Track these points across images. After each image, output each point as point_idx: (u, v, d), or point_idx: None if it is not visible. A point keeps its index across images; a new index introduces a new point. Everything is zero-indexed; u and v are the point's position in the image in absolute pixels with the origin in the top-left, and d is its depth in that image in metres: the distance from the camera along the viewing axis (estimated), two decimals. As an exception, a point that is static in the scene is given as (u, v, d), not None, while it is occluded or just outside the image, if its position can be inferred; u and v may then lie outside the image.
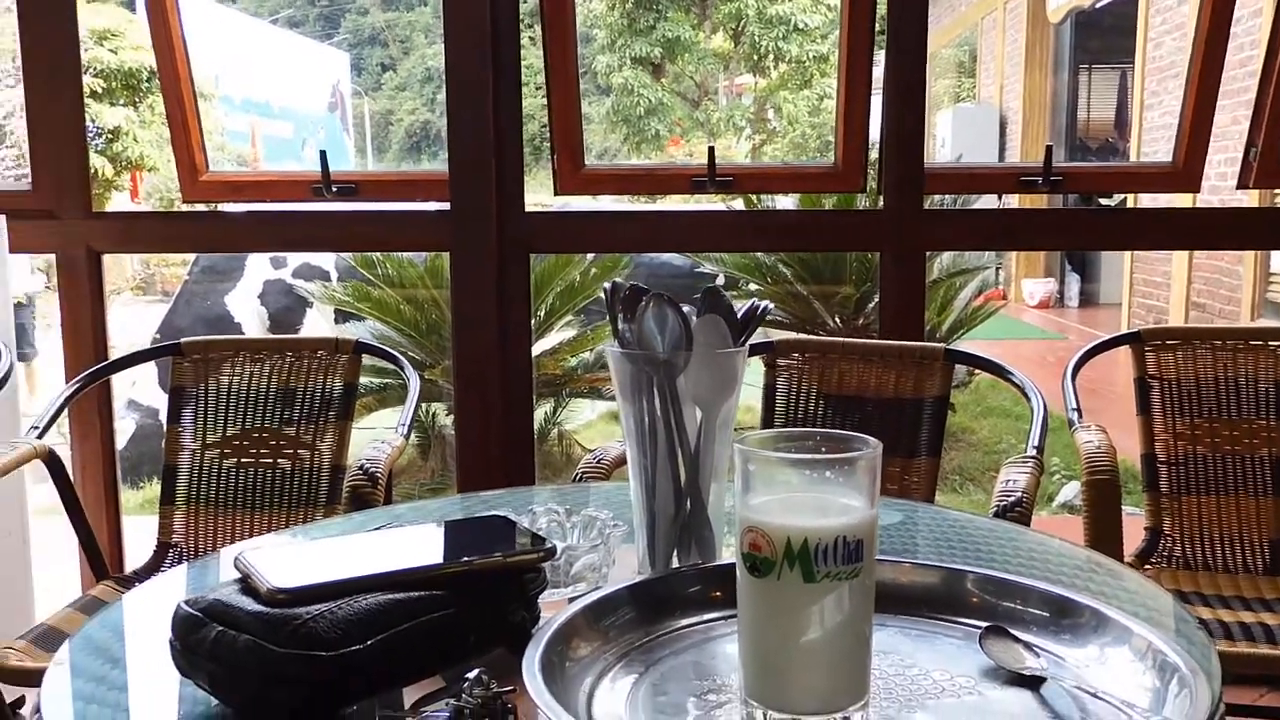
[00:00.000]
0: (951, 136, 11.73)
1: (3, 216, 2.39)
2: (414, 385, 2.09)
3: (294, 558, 0.88)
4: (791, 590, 0.76)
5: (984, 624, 0.89)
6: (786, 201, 5.14)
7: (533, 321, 2.76)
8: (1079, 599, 0.90)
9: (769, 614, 0.77)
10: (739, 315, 1.07)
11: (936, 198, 4.38)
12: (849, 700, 0.77)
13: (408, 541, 0.97)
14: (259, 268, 5.84)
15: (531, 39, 3.34)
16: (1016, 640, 0.87)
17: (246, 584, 0.84)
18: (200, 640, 0.79)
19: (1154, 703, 0.77)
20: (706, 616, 0.94)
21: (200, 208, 2.94)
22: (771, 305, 1.17)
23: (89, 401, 2.52)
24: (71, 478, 2.00)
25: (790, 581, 0.75)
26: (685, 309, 1.04)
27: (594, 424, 5.51)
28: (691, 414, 1.04)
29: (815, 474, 0.78)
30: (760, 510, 0.77)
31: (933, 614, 0.94)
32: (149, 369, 5.19)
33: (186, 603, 0.82)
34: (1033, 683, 0.82)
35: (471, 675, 0.76)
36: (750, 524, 0.77)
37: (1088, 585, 1.04)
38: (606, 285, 1.09)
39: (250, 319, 5.78)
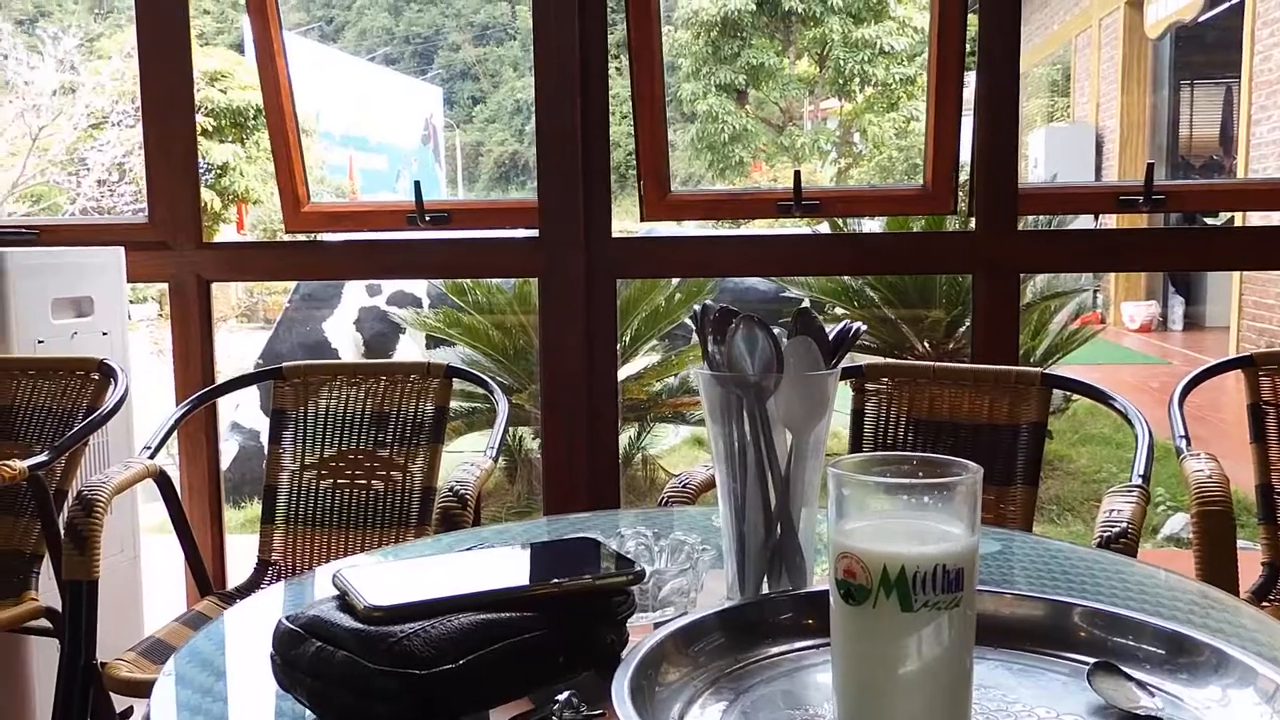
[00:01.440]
0: (1045, 156, 11.52)
1: (121, 248, 2.52)
2: (502, 408, 2.10)
3: (389, 576, 0.89)
4: (888, 620, 0.73)
5: (1092, 659, 0.86)
6: (874, 225, 5.09)
7: (618, 346, 2.77)
8: (1197, 636, 0.86)
9: (864, 644, 0.75)
10: (830, 337, 1.05)
11: (1030, 219, 4.30)
12: (949, 734, 0.74)
13: (499, 563, 0.97)
14: (355, 295, 6.00)
15: (618, 69, 3.37)
16: (1129, 678, 0.83)
17: (344, 601, 0.84)
18: (300, 655, 0.80)
19: (1278, 745, 0.73)
20: (798, 645, 0.92)
21: (301, 238, 3.03)
22: (864, 327, 1.15)
23: (196, 423, 2.61)
24: (180, 497, 2.07)
25: (887, 610, 0.73)
26: (776, 331, 1.03)
27: (678, 449, 5.49)
28: (782, 437, 1.02)
29: (913, 499, 0.76)
30: (855, 536, 0.75)
31: (1036, 648, 0.91)
32: (251, 393, 5.35)
33: (288, 618, 0.83)
34: (1145, 722, 0.78)
35: (562, 697, 0.75)
36: (845, 550, 0.75)
37: (1205, 622, 0.99)
38: (696, 307, 1.08)
39: (346, 345, 5.92)
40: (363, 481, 2.15)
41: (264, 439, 2.24)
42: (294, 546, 2.14)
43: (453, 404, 2.23)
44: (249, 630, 1.02)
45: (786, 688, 0.86)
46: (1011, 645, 0.90)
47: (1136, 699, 0.80)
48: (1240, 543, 2.62)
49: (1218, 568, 1.61)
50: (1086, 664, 0.85)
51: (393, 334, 5.90)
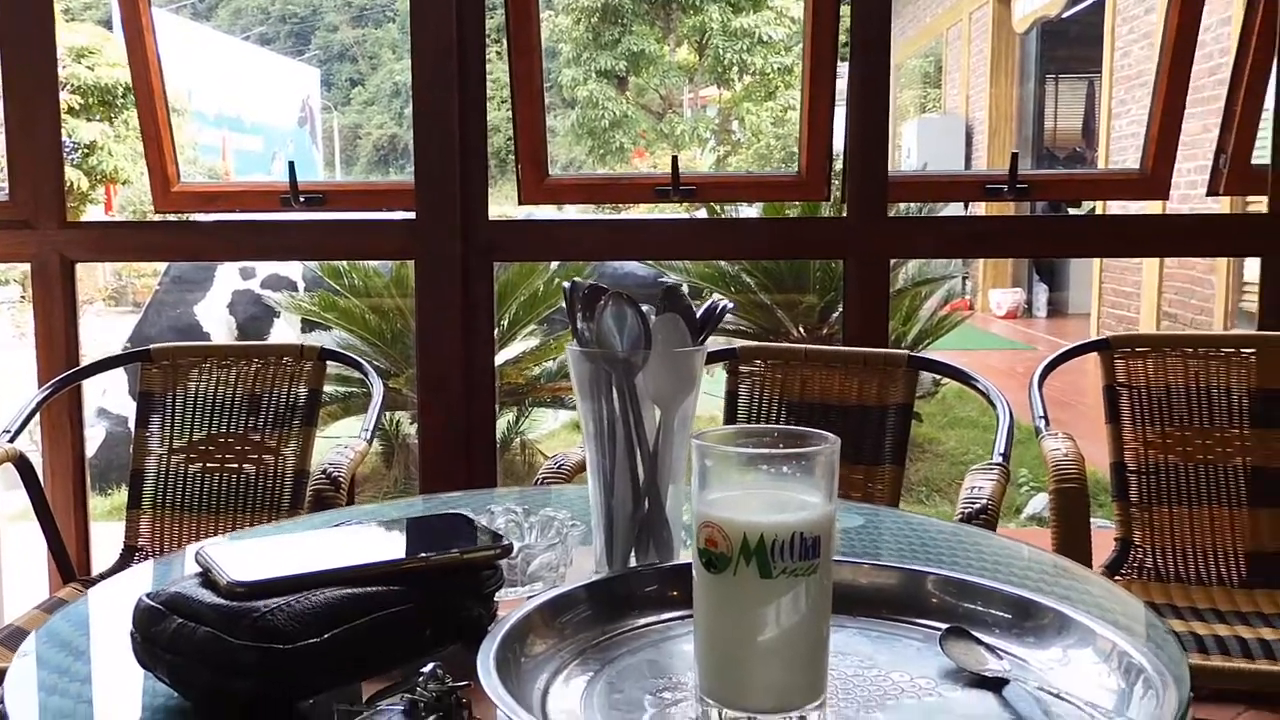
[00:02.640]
0: (917, 147, 11.83)
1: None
2: (378, 391, 2.08)
3: (254, 552, 0.87)
4: (748, 587, 0.75)
5: (945, 626, 0.89)
6: (750, 211, 5.16)
7: (496, 331, 2.75)
8: (1042, 601, 0.90)
9: (725, 610, 0.77)
10: (698, 315, 1.07)
11: (902, 206, 4.41)
12: (805, 699, 0.77)
13: (366, 538, 0.96)
14: (228, 278, 5.86)
15: (498, 53, 3.35)
16: (978, 642, 0.86)
17: (207, 578, 0.83)
18: (160, 632, 0.79)
19: (1119, 705, 0.77)
20: (664, 616, 0.93)
21: (171, 218, 2.95)
22: (730, 304, 1.17)
23: (60, 408, 2.53)
24: (42, 483, 2.00)
25: (747, 578, 0.75)
26: (644, 308, 1.04)
27: (556, 433, 5.50)
28: (650, 413, 1.03)
29: (773, 470, 0.78)
30: (717, 505, 0.77)
31: (893, 615, 0.94)
32: (119, 378, 5.21)
33: (148, 595, 0.81)
34: (994, 684, 0.82)
35: (427, 669, 0.75)
36: (707, 519, 0.76)
37: (1053, 590, 1.04)
38: (566, 284, 1.08)
39: (219, 329, 5.78)
40: (233, 465, 2.11)
41: (133, 425, 2.18)
42: (162, 532, 2.10)
43: (328, 388, 2.21)
44: (111, 610, 1.00)
45: (652, 658, 0.88)
46: (869, 613, 0.93)
47: (985, 661, 0.84)
48: (1096, 521, 2.74)
49: (1072, 542, 1.68)
50: (939, 630, 0.88)
51: (267, 317, 5.78)
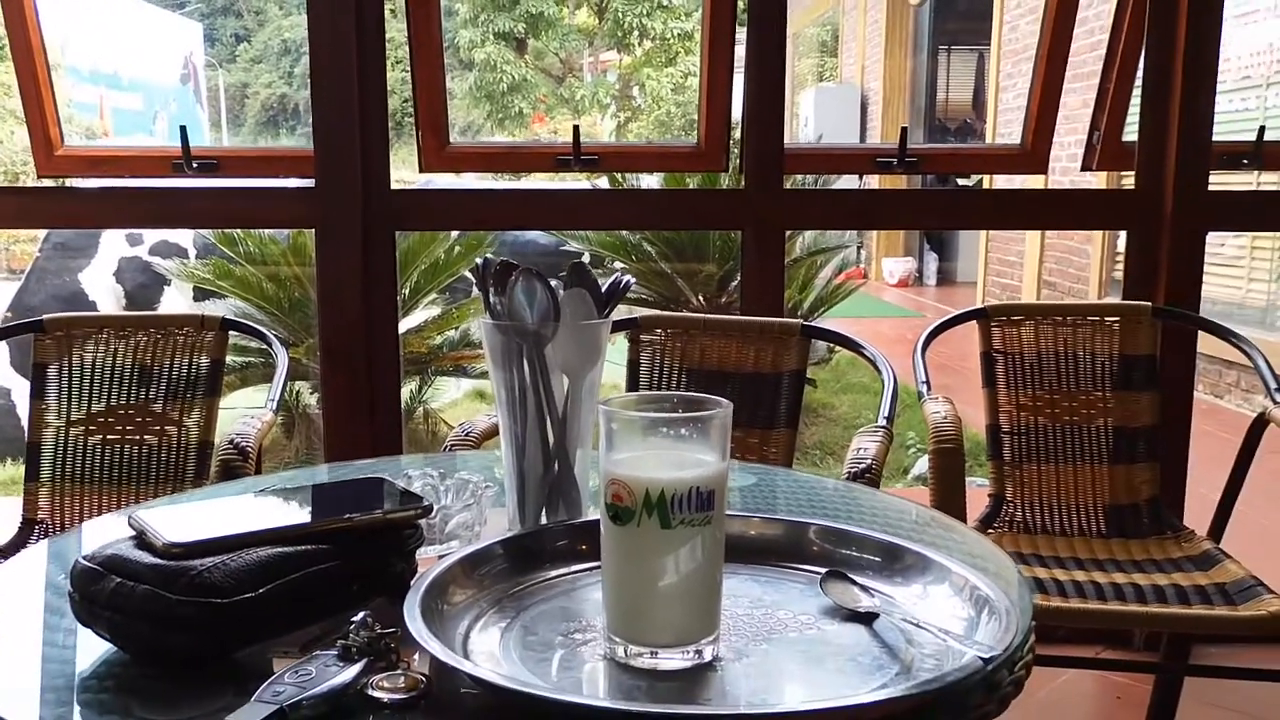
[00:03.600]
0: (814, 116, 11.99)
1: None
2: (282, 361, 2.11)
3: (185, 516, 0.93)
4: (650, 536, 0.84)
5: (824, 569, 0.99)
6: (651, 180, 5.24)
7: (398, 299, 2.78)
8: (906, 544, 1.00)
9: (629, 558, 0.85)
10: (603, 289, 1.15)
11: (798, 177, 4.53)
12: (701, 634, 0.86)
13: (292, 501, 1.02)
14: (114, 245, 5.71)
15: (393, 11, 3.32)
16: (853, 583, 0.97)
17: (141, 540, 0.88)
18: (99, 591, 0.84)
19: (969, 630, 0.87)
20: (573, 568, 1.02)
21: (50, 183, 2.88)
22: (634, 280, 1.25)
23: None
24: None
25: (649, 528, 0.83)
26: (553, 283, 1.11)
27: (459, 402, 5.53)
28: (559, 382, 1.11)
29: (672, 432, 0.87)
30: (622, 465, 0.85)
31: (779, 562, 1.04)
32: (0, 350, 5.05)
33: (85, 557, 0.86)
34: (866, 619, 0.92)
35: (357, 618, 0.82)
36: (612, 477, 0.85)
37: (922, 537, 1.14)
38: (478, 260, 1.15)
39: (105, 297, 5.64)
40: (134, 437, 2.11)
41: (15, 397, 2.16)
42: (62, 504, 2.09)
43: (226, 359, 2.22)
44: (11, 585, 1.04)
45: (563, 605, 0.96)
46: (758, 561, 1.03)
47: (859, 600, 0.94)
48: (975, 480, 2.89)
49: (949, 499, 1.80)
50: (820, 573, 0.98)
51: (156, 286, 5.65)
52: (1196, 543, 1.95)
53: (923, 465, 4.65)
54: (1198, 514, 2.13)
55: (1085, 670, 2.43)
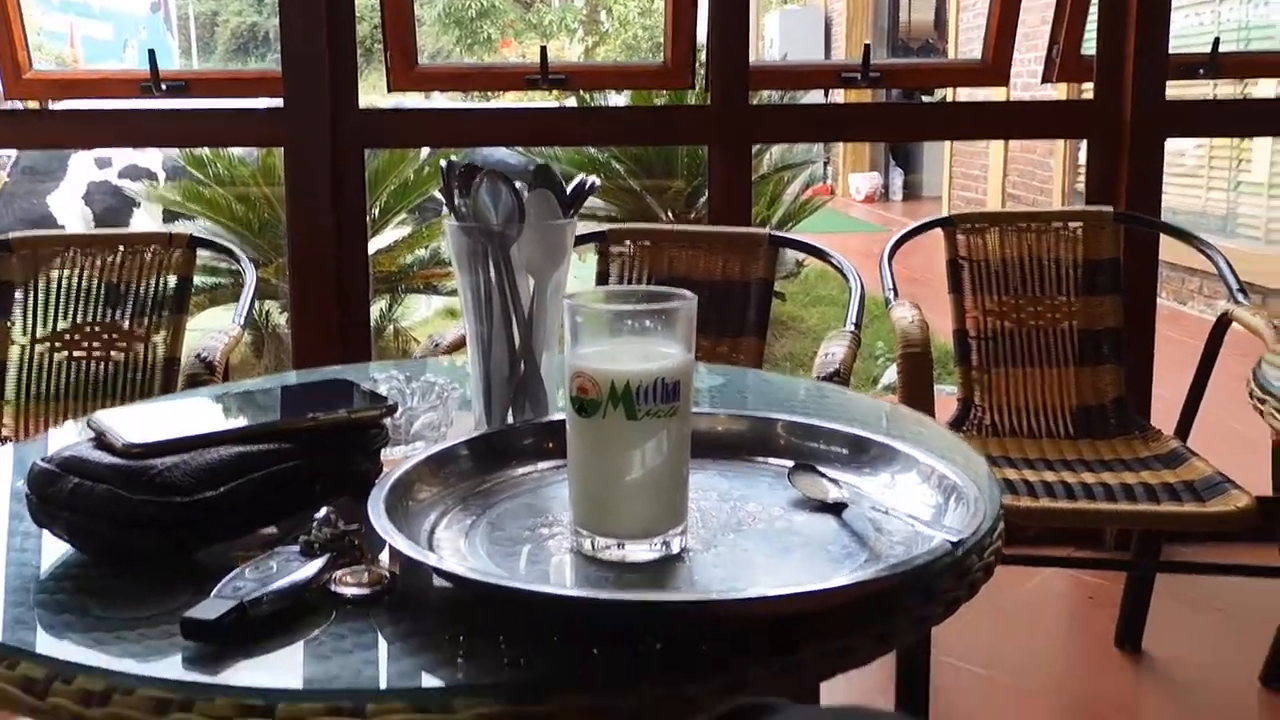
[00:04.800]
0: (779, 38, 11.96)
1: None
2: (251, 277, 2.09)
3: (145, 417, 0.92)
4: (616, 428, 0.83)
5: (792, 463, 0.99)
6: (619, 100, 5.17)
7: (367, 219, 2.75)
8: (874, 437, 1.00)
9: (595, 450, 0.85)
10: (567, 190, 1.12)
11: (764, 94, 4.49)
12: (668, 526, 0.85)
13: (254, 402, 1.01)
14: (83, 168, 5.63)
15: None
16: (821, 475, 0.96)
17: (101, 440, 0.87)
18: (57, 492, 0.82)
19: (937, 516, 0.88)
20: (540, 466, 1.01)
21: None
22: (598, 181, 1.23)
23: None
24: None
25: (615, 420, 0.83)
26: (517, 185, 1.09)
27: (430, 320, 5.51)
28: (525, 283, 1.09)
29: (637, 324, 0.85)
30: (587, 358, 0.84)
31: (748, 457, 1.03)
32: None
33: (43, 459, 0.85)
34: (835, 509, 0.92)
35: (320, 515, 0.81)
36: (578, 370, 0.84)
37: (889, 431, 1.14)
38: (443, 163, 1.13)
39: (74, 220, 5.57)
40: (101, 354, 2.10)
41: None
42: (28, 421, 2.08)
43: (195, 279, 2.20)
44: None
45: (530, 501, 0.95)
46: (726, 456, 1.03)
47: (827, 491, 0.94)
48: (943, 387, 2.91)
49: (917, 403, 1.80)
50: (788, 467, 0.98)
51: (125, 208, 5.58)
52: (1164, 442, 1.97)
53: (891, 374, 4.68)
54: (1164, 416, 2.15)
55: (1058, 571, 2.47)
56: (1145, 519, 1.78)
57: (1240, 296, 2.01)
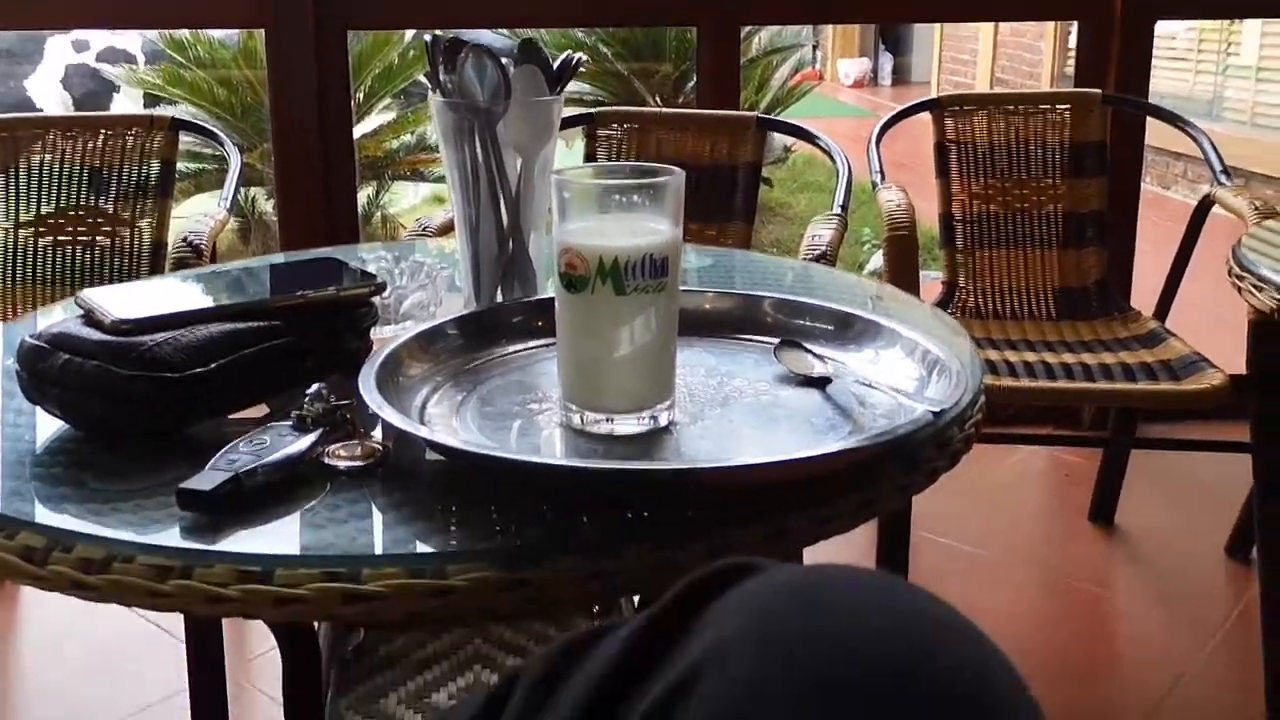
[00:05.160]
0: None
1: None
2: (235, 160, 2.07)
3: (134, 294, 0.92)
4: (604, 304, 0.83)
5: (779, 339, 1.00)
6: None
7: (352, 103, 2.71)
8: (859, 313, 1.01)
9: (584, 326, 0.85)
10: (554, 66, 1.11)
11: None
12: (656, 400, 0.87)
13: (243, 280, 1.01)
14: (60, 51, 5.51)
15: None
16: (807, 351, 0.97)
17: (90, 318, 0.87)
18: (47, 368, 0.83)
19: (919, 388, 0.89)
20: (529, 344, 1.02)
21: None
22: (584, 57, 1.21)
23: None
24: None
25: (603, 296, 0.83)
26: (504, 60, 1.08)
27: (417, 207, 5.46)
28: (511, 161, 1.09)
29: (625, 199, 0.85)
30: (575, 234, 0.84)
31: (734, 335, 1.04)
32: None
33: (32, 336, 0.85)
34: (820, 384, 0.93)
35: (311, 390, 0.82)
36: (566, 246, 0.84)
37: (874, 308, 1.15)
38: (427, 38, 1.11)
39: (53, 104, 5.48)
40: (86, 239, 2.09)
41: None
42: (15, 307, 2.08)
43: (179, 165, 2.18)
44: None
45: (519, 379, 0.97)
46: (713, 334, 1.04)
47: (812, 367, 0.95)
48: (931, 273, 2.92)
49: (902, 285, 1.81)
50: (774, 343, 0.99)
51: (105, 93, 5.48)
52: (1143, 322, 1.99)
53: (877, 260, 4.68)
54: (1144, 299, 2.17)
55: (1036, 450, 2.52)
56: (1122, 397, 1.81)
57: (1223, 179, 2.02)
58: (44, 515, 0.73)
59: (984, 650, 0.36)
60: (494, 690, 0.39)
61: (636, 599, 1.06)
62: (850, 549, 1.93)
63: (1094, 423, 2.53)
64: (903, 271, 1.81)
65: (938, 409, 0.80)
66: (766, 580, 0.37)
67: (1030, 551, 2.19)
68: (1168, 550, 2.17)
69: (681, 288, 0.88)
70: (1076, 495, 2.32)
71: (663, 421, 0.87)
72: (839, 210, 1.86)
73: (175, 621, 1.68)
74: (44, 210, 2.08)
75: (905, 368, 0.93)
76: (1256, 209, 1.84)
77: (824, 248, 1.73)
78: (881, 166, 2.08)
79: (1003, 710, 0.34)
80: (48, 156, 2.08)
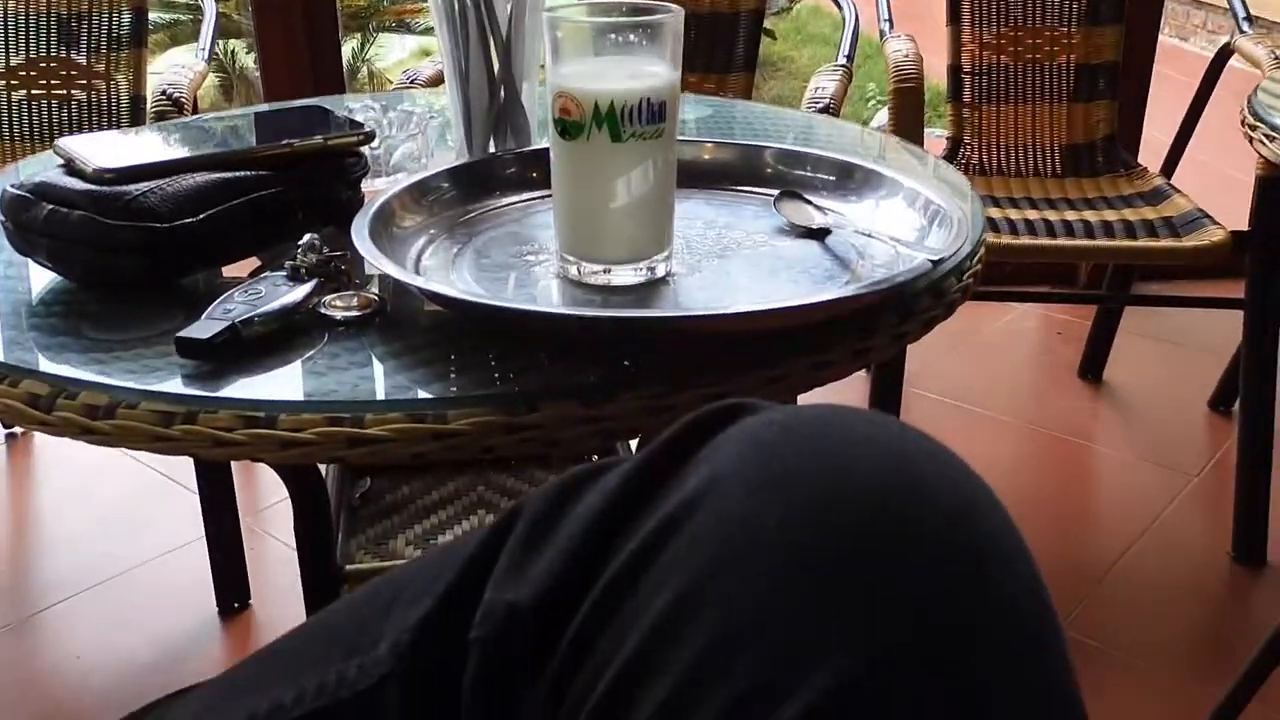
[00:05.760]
0: None
1: None
2: (210, 8, 2.01)
3: (114, 143, 0.89)
4: (600, 151, 0.81)
5: (778, 191, 0.98)
6: None
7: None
8: (859, 162, 0.99)
9: (580, 174, 0.84)
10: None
11: None
12: (654, 250, 0.85)
13: (226, 129, 0.98)
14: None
15: None
16: (807, 202, 0.96)
17: (70, 167, 0.85)
18: (32, 218, 0.81)
19: (920, 237, 0.88)
20: (524, 196, 1.00)
21: None
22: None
23: None
24: None
25: (599, 142, 0.81)
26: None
27: (404, 61, 5.32)
28: (502, 3, 1.05)
29: (621, 39, 0.82)
30: (570, 77, 0.81)
31: (733, 186, 1.02)
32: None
33: (13, 185, 0.83)
34: (819, 235, 0.92)
35: (304, 241, 0.81)
36: (561, 90, 0.81)
37: (877, 158, 1.13)
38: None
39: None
40: (61, 92, 2.02)
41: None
42: (-7, 164, 2.04)
43: (152, 16, 2.10)
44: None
45: (515, 230, 0.95)
46: (711, 186, 1.02)
47: (812, 218, 0.94)
48: (936, 131, 2.87)
49: (906, 136, 1.78)
50: (773, 195, 0.98)
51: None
52: (1148, 179, 1.96)
53: (882, 117, 4.60)
54: (1153, 157, 2.14)
55: (1030, 310, 2.52)
56: (1122, 254, 1.79)
57: (1245, 26, 1.95)
58: (46, 364, 0.72)
59: (974, 486, 0.36)
60: (497, 522, 0.40)
61: (635, 444, 1.06)
62: (844, 402, 1.94)
63: (1090, 282, 2.52)
64: (907, 126, 1.77)
65: (936, 257, 0.79)
66: (762, 419, 0.38)
67: (1019, 406, 2.21)
68: (1152, 404, 2.19)
69: (680, 138, 0.86)
70: (1067, 353, 2.33)
71: (660, 273, 0.86)
72: (844, 61, 1.81)
73: (188, 475, 1.70)
74: (14, 62, 2.01)
75: (906, 218, 0.91)
76: (1277, 58, 1.79)
77: (827, 100, 1.70)
78: (890, 15, 2.02)
79: (991, 544, 0.34)
80: (12, 4, 2.01)
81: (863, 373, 2.11)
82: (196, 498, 1.60)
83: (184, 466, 1.81)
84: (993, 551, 0.34)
